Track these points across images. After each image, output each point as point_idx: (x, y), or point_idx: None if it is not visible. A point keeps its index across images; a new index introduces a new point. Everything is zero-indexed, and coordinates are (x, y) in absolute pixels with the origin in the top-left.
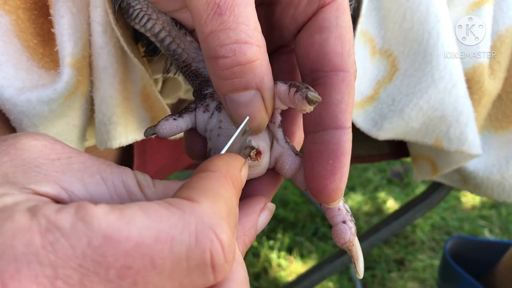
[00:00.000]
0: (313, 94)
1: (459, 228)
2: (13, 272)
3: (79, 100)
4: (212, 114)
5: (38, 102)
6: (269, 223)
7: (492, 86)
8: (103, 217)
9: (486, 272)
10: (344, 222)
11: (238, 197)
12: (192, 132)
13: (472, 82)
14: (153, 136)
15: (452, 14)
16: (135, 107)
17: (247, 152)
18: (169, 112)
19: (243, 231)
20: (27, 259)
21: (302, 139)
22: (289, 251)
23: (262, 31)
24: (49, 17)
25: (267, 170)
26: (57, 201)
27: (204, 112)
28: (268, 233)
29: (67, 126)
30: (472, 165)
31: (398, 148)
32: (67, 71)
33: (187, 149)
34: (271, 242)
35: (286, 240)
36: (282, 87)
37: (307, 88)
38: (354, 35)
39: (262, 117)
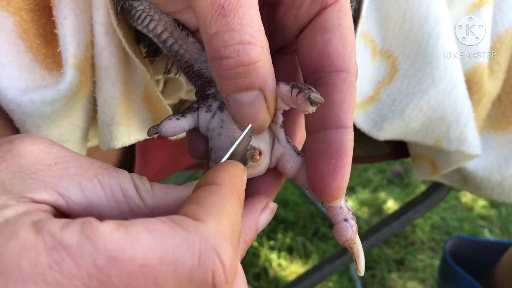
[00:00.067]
0: (315, 95)
1: (459, 228)
2: None
3: (82, 101)
4: (214, 114)
5: (41, 102)
6: (270, 223)
7: (491, 86)
8: (109, 236)
9: (486, 272)
10: (345, 220)
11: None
12: (194, 132)
13: (471, 83)
14: (155, 136)
15: (452, 15)
16: (137, 108)
17: (248, 152)
18: (170, 112)
19: (243, 230)
20: (33, 279)
21: (304, 138)
22: (290, 251)
23: (265, 32)
24: (52, 18)
25: (270, 170)
26: (55, 207)
27: (206, 112)
28: (268, 233)
29: (70, 127)
30: (471, 165)
31: (398, 149)
32: (70, 72)
33: (189, 148)
34: (272, 242)
35: (287, 240)
36: (285, 88)
37: (310, 89)
38: (355, 36)
39: (264, 117)
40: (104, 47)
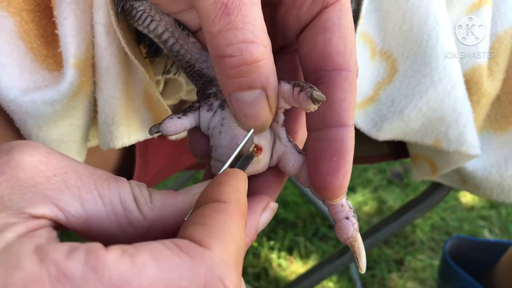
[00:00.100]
0: (317, 93)
1: (459, 228)
2: None
3: (83, 101)
4: (215, 112)
5: (42, 103)
6: (270, 223)
7: (491, 87)
8: (114, 266)
9: (486, 272)
10: (347, 218)
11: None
12: (195, 131)
13: (471, 84)
14: (155, 136)
15: (451, 15)
16: (138, 108)
17: (253, 150)
18: (170, 113)
19: None
20: None
21: (305, 137)
22: (289, 251)
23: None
24: (53, 19)
25: (271, 169)
26: (55, 221)
27: (208, 111)
28: (268, 233)
29: (70, 127)
30: (471, 166)
31: (398, 149)
32: (70, 72)
33: (191, 148)
34: (272, 243)
35: (287, 241)
36: (286, 86)
37: (311, 87)
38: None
39: (266, 116)
40: (105, 48)
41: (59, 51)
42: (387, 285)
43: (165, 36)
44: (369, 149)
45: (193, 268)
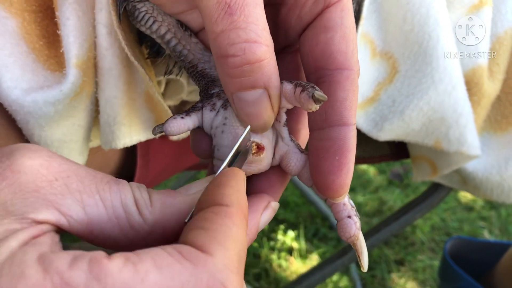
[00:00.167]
0: (319, 93)
1: (459, 229)
2: None
3: (85, 101)
4: (217, 112)
5: (44, 103)
6: (270, 223)
7: (491, 88)
8: (117, 275)
9: (486, 273)
10: (349, 217)
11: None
12: (198, 131)
13: (471, 84)
14: (157, 136)
15: (452, 16)
16: (139, 108)
17: (249, 147)
18: (170, 114)
19: None
20: None
21: (307, 137)
22: (290, 251)
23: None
24: (55, 19)
25: (274, 169)
26: (57, 226)
27: (210, 110)
28: (268, 233)
29: (72, 127)
30: (471, 166)
31: (398, 149)
32: (72, 72)
33: (194, 147)
34: (272, 243)
35: (287, 241)
36: (288, 86)
37: (313, 87)
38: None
39: (269, 115)
40: (107, 48)
41: (61, 51)
42: (387, 286)
43: (168, 36)
44: (369, 150)
45: (195, 275)
